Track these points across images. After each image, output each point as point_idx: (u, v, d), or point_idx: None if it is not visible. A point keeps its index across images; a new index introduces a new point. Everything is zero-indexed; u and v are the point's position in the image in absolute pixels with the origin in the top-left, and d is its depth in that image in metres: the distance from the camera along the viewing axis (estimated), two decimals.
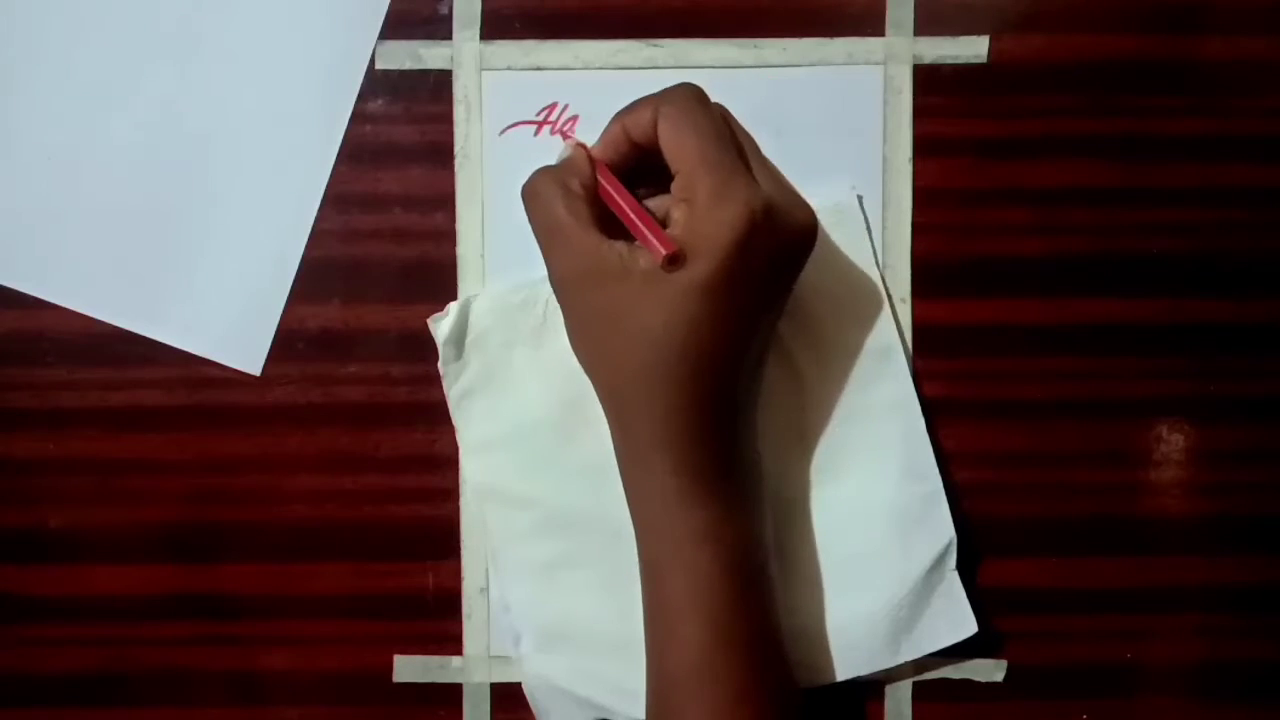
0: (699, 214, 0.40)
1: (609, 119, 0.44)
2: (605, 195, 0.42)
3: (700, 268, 0.40)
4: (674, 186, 0.42)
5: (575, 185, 0.42)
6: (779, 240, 0.41)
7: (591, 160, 0.43)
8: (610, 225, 0.42)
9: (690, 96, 0.42)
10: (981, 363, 0.48)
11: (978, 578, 0.48)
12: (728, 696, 0.41)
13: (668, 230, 0.41)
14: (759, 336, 0.43)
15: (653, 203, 0.43)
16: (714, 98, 0.44)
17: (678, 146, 0.41)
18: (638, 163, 0.43)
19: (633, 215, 0.41)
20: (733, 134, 0.43)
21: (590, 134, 0.46)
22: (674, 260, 0.40)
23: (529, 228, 0.47)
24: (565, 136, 0.47)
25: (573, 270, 0.42)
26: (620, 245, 0.41)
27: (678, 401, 0.41)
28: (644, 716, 0.46)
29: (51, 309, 0.48)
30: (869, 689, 0.47)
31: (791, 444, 0.47)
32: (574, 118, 0.47)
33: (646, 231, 0.41)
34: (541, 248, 0.43)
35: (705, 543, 0.42)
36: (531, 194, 0.43)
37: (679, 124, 0.41)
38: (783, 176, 0.44)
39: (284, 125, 0.47)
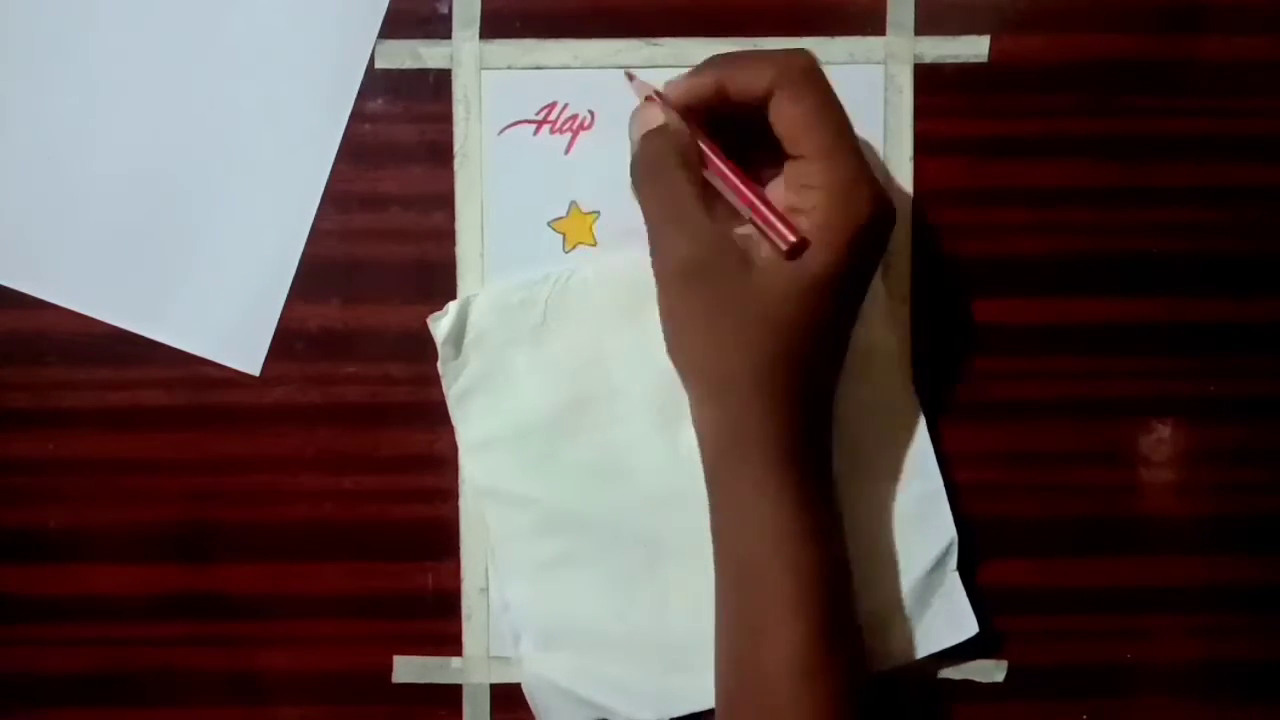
0: (831, 205, 0.39)
1: (610, 118, 0.44)
2: (717, 176, 0.40)
3: (830, 259, 0.39)
4: (795, 170, 0.40)
5: (693, 162, 0.40)
6: (886, 234, 0.41)
7: (694, 138, 0.41)
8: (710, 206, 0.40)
9: (817, 75, 0.40)
10: (981, 363, 0.48)
11: (978, 578, 0.48)
12: (832, 694, 0.40)
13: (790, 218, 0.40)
14: (851, 328, 0.43)
15: (760, 183, 0.41)
16: None
17: (805, 130, 0.39)
18: (710, 115, 0.41)
19: (756, 202, 0.40)
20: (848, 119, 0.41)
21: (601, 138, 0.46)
22: (797, 250, 0.39)
23: (528, 227, 0.47)
24: (631, 78, 0.44)
25: (692, 258, 0.40)
26: (739, 233, 0.40)
27: (792, 396, 0.40)
28: (648, 715, 0.46)
29: (51, 309, 0.47)
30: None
31: None
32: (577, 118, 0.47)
33: (774, 219, 0.39)
34: (656, 233, 0.41)
35: (809, 540, 0.41)
36: (651, 172, 0.40)
37: (808, 107, 0.39)
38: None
39: (284, 125, 0.47)
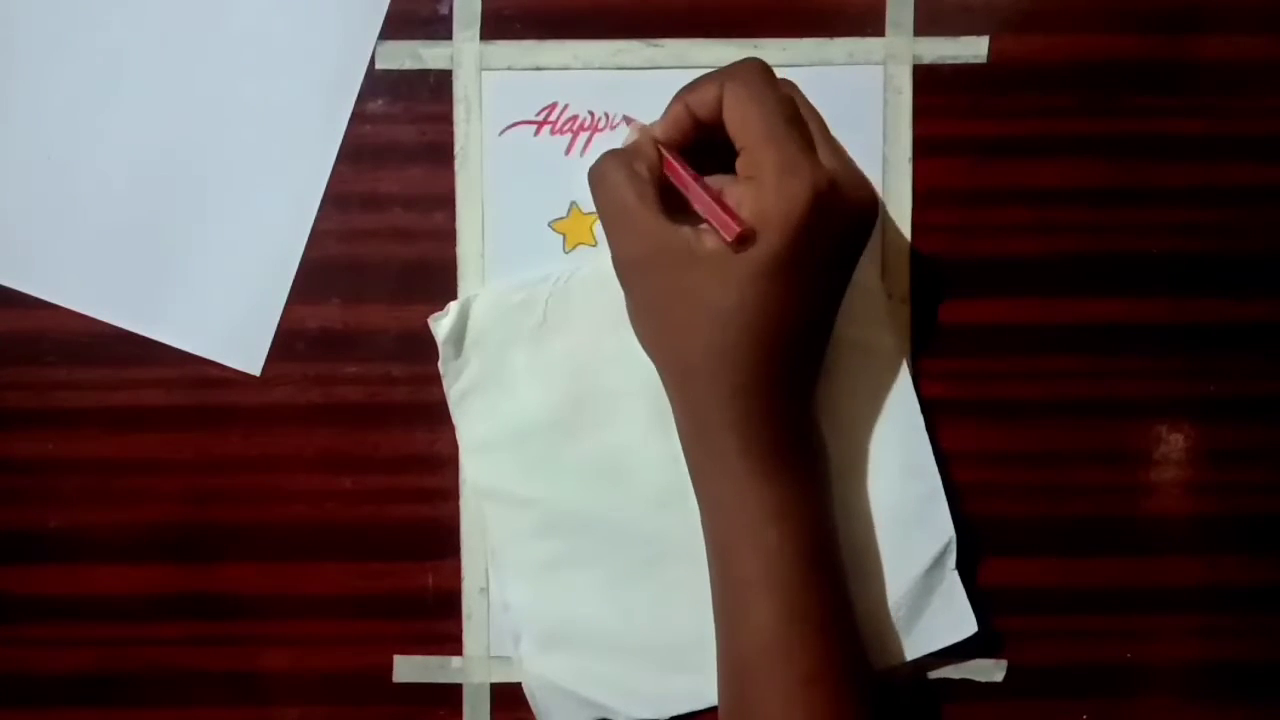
0: (765, 191, 0.40)
1: (610, 118, 0.44)
2: (673, 176, 0.42)
3: (768, 245, 0.40)
4: (739, 164, 0.41)
5: (641, 169, 0.42)
6: (843, 217, 0.41)
7: (657, 144, 0.43)
8: (674, 209, 0.42)
9: (757, 72, 0.42)
10: (981, 363, 0.48)
11: (978, 578, 0.48)
12: (800, 675, 0.41)
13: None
14: (824, 316, 0.43)
15: (711, 181, 0.43)
16: None
17: (743, 123, 0.41)
18: (699, 141, 0.43)
19: (703, 195, 0.41)
20: (798, 111, 0.42)
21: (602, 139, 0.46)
22: (744, 240, 0.40)
23: (529, 228, 0.47)
24: (628, 121, 0.46)
25: (639, 253, 0.42)
26: (686, 229, 0.41)
27: (747, 381, 0.41)
28: (648, 715, 0.46)
29: (51, 309, 0.48)
30: None
31: None
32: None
33: (718, 210, 0.40)
34: (606, 231, 0.43)
35: (775, 522, 0.41)
36: (598, 177, 0.42)
37: (745, 100, 0.41)
38: (846, 154, 0.43)
39: (284, 125, 0.47)
